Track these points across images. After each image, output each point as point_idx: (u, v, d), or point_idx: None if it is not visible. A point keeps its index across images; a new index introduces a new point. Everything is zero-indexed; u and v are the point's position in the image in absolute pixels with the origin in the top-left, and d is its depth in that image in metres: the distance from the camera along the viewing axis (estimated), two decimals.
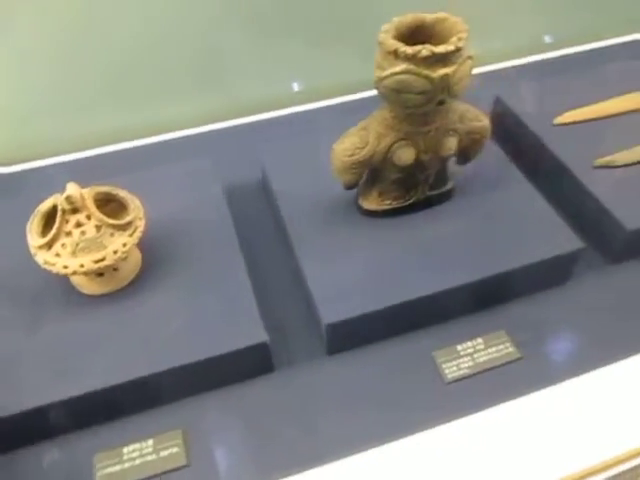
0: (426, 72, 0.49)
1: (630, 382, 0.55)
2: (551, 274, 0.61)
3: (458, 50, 0.49)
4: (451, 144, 0.57)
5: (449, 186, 0.64)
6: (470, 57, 0.51)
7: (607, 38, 0.99)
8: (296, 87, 0.89)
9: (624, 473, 0.50)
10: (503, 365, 0.57)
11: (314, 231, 0.62)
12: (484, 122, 0.59)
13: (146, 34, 0.76)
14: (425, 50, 0.48)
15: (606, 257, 0.64)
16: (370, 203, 0.62)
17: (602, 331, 0.59)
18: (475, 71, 0.88)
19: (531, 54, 0.93)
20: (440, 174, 0.62)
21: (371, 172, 0.60)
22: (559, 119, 0.72)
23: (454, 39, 0.49)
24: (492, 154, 0.69)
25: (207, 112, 0.85)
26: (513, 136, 0.75)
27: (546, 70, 0.90)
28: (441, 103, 0.52)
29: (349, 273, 0.58)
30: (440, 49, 0.48)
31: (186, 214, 0.65)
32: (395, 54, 0.49)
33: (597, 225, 0.64)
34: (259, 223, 0.70)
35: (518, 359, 0.57)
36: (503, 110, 0.77)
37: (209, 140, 0.83)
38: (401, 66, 0.49)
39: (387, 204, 0.62)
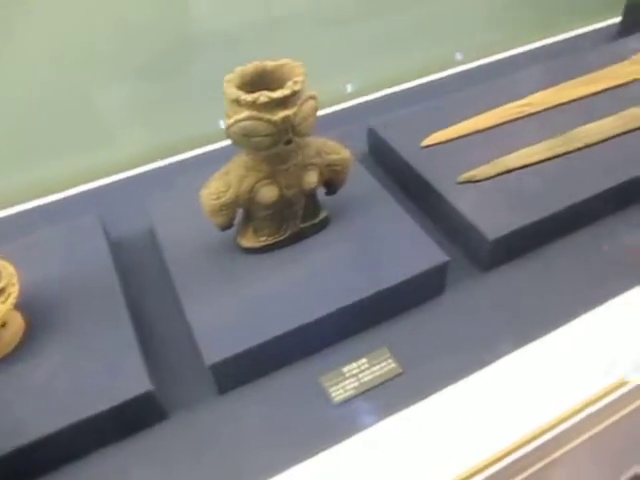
0: (268, 116, 0.52)
1: (510, 382, 0.59)
2: (425, 288, 0.64)
3: (295, 93, 0.52)
4: (311, 178, 0.61)
5: (322, 216, 0.67)
6: (312, 97, 0.55)
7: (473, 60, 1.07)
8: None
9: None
10: (386, 382, 0.59)
11: (197, 274, 0.63)
12: (343, 154, 0.63)
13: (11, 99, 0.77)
14: (263, 97, 0.51)
15: (477, 266, 0.68)
16: (248, 241, 0.65)
17: (477, 335, 0.63)
18: (352, 103, 0.94)
19: (400, 83, 0.99)
20: (310, 206, 0.65)
21: (244, 211, 0.63)
22: (425, 142, 0.77)
23: (290, 83, 0.52)
24: (365, 180, 0.73)
25: (90, 169, 0.86)
26: (386, 162, 0.80)
27: (416, 95, 0.95)
28: (289, 143, 0.55)
29: (230, 312, 0.60)
30: (277, 94, 0.52)
31: (71, 273, 0.65)
32: (237, 102, 0.52)
33: (465, 237, 0.69)
34: (147, 273, 0.71)
35: (399, 374, 0.60)
36: (376, 138, 0.81)
37: (97, 196, 0.84)
38: (244, 113, 0.52)
39: (263, 240, 0.64)
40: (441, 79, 1.02)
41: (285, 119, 0.52)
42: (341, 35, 0.95)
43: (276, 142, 0.54)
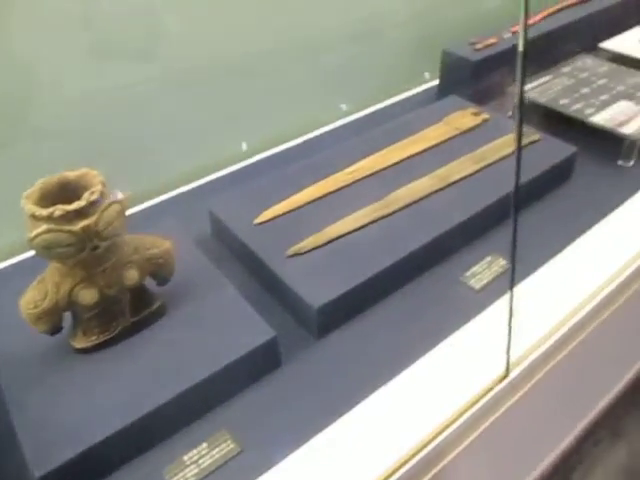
0: (67, 227, 0.54)
1: (347, 443, 0.62)
2: (259, 363, 0.67)
3: (93, 203, 0.55)
4: (132, 275, 0.63)
5: (156, 305, 0.68)
6: (117, 202, 0.57)
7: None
8: None
9: None
10: (227, 462, 0.61)
11: (30, 381, 0.63)
12: (163, 247, 0.65)
13: None
14: (58, 210, 0.53)
15: (311, 334, 0.72)
16: (79, 342, 0.65)
17: (314, 404, 0.66)
18: (191, 186, 0.97)
19: (234, 163, 1.04)
20: (140, 298, 0.66)
21: (72, 313, 0.64)
22: (258, 219, 0.81)
23: (87, 194, 0.55)
24: (201, 264, 0.76)
25: None
26: (227, 241, 0.84)
27: (249, 175, 1.01)
28: (95, 249, 0.57)
29: (63, 415, 0.59)
30: (73, 206, 0.54)
31: None
32: (35, 217, 0.54)
33: (296, 308, 0.73)
34: None
35: (239, 453, 0.61)
36: (215, 219, 0.85)
37: None
38: (43, 227, 0.54)
39: (94, 340, 0.65)
40: (271, 156, 1.07)
41: (85, 228, 0.55)
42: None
43: (81, 250, 0.56)
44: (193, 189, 1.00)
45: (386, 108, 1.21)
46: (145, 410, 0.59)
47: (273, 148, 1.08)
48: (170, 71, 0.93)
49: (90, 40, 0.85)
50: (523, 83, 0.54)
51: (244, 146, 1.08)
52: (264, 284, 0.79)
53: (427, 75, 1.24)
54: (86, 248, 0.56)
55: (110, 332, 0.65)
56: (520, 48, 0.50)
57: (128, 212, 0.91)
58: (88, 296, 0.60)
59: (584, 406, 1.11)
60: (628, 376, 1.25)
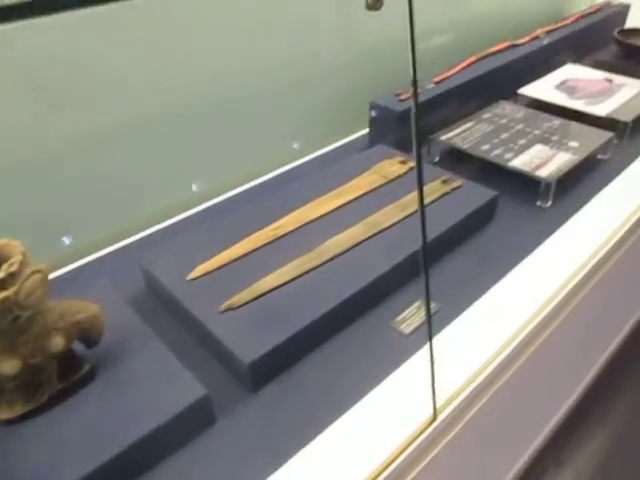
0: None
1: None
2: (192, 422, 0.67)
3: (12, 275, 0.55)
4: (56, 342, 0.62)
5: (86, 369, 0.68)
6: (38, 271, 0.58)
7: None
8: None
9: None
10: None
11: None
12: (91, 311, 0.66)
13: None
14: None
15: (245, 389, 0.73)
16: (3, 413, 0.64)
17: (249, 456, 0.66)
18: (128, 241, 0.98)
19: (170, 216, 1.06)
20: (67, 364, 0.66)
21: None
22: (191, 274, 0.82)
23: (5, 266, 0.55)
24: (133, 324, 0.76)
25: None
26: (161, 297, 0.84)
27: (184, 228, 1.02)
28: (16, 319, 0.57)
29: None
30: None
31: None
32: None
33: (229, 363, 0.73)
34: None
35: None
36: (149, 275, 0.85)
37: None
38: None
39: (18, 410, 0.64)
40: (207, 208, 1.09)
41: (5, 300, 0.55)
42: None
43: (0, 321, 0.56)
44: (130, 244, 1.00)
45: (321, 156, 1.25)
46: None
47: (208, 201, 1.10)
48: (107, 122, 0.94)
49: (27, 87, 0.85)
50: (419, 143, 0.57)
51: (194, 187, 1.10)
52: (198, 339, 0.79)
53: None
54: (6, 319, 0.56)
55: (35, 401, 0.64)
56: (413, 111, 0.54)
57: (64, 270, 0.91)
58: (8, 367, 0.60)
59: (523, 439, 1.15)
60: (567, 405, 1.30)
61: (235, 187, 1.13)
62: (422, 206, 0.58)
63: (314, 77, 1.23)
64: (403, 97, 1.19)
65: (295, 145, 1.24)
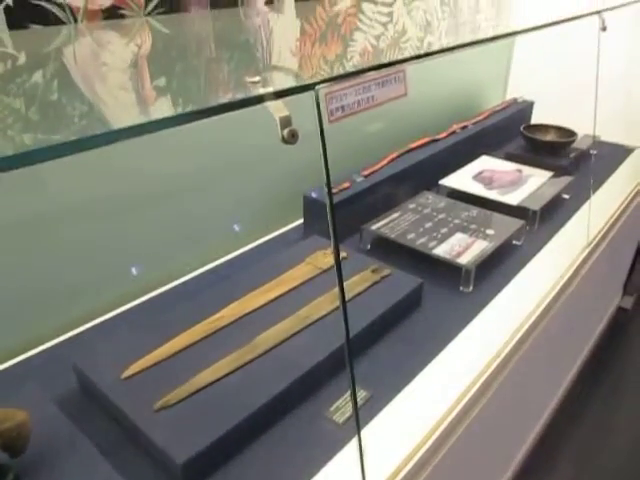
0: None
1: None
2: None
3: None
4: None
5: (9, 478, 0.66)
6: None
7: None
8: None
9: None
10: None
11: None
12: (17, 419, 0.65)
13: None
14: None
15: None
16: None
17: None
18: (60, 339, 0.97)
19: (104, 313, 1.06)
20: None
21: None
22: (125, 372, 0.82)
23: None
24: (61, 427, 0.75)
25: None
26: (95, 397, 0.83)
27: (117, 324, 1.03)
28: None
29: None
30: None
31: None
32: None
33: (163, 463, 0.73)
34: None
35: None
36: (81, 375, 0.85)
37: None
38: None
39: None
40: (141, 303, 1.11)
41: None
42: None
43: None
44: (61, 342, 0.99)
45: (258, 246, 1.30)
46: None
47: (145, 295, 1.12)
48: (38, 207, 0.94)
49: None
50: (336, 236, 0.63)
51: (134, 271, 1.10)
52: (132, 440, 0.79)
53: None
54: None
55: None
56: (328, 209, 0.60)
57: None
58: None
59: None
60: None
61: (171, 280, 1.15)
62: (344, 302, 0.63)
63: (249, 169, 1.29)
64: (335, 190, 1.27)
65: (232, 236, 1.28)
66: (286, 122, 0.52)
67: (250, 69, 0.87)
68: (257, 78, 0.54)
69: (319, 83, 0.58)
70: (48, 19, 0.90)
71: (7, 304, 0.94)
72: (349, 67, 0.96)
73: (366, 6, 1.49)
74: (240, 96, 0.52)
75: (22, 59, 0.88)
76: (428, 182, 1.49)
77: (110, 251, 1.07)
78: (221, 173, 1.24)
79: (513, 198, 1.40)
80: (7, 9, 0.86)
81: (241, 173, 1.28)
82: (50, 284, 0.99)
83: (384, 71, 0.65)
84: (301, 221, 1.37)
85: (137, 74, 0.93)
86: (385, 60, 0.72)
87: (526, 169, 1.57)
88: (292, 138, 0.52)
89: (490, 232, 1.24)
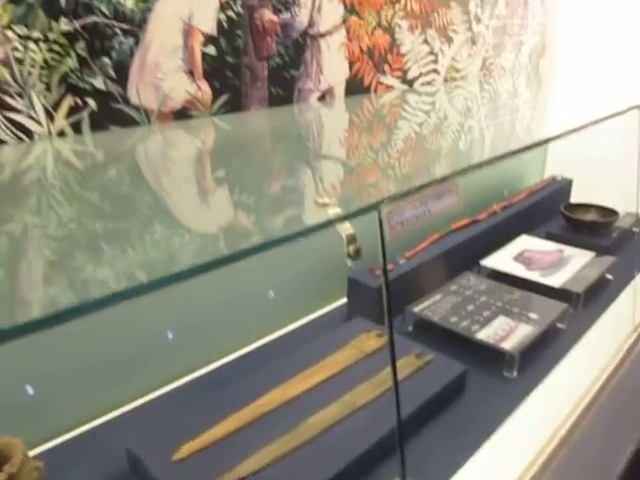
0: None
1: None
2: None
3: (12, 476, 0.59)
4: None
5: None
6: (36, 468, 0.62)
7: None
8: None
9: None
10: None
11: None
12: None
13: None
14: None
15: None
16: None
17: None
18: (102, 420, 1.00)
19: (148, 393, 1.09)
20: None
21: None
22: (176, 455, 0.85)
23: (7, 467, 0.59)
24: None
25: None
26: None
27: (165, 405, 1.06)
28: None
29: None
30: None
31: None
32: None
33: None
34: None
35: None
36: (132, 457, 0.88)
37: None
38: None
39: None
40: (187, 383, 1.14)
41: None
42: None
43: None
44: (112, 419, 1.03)
45: (303, 326, 1.33)
46: None
47: (192, 374, 1.15)
48: None
49: None
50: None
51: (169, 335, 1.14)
52: None
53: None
54: None
55: None
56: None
57: (45, 448, 0.93)
58: None
59: None
60: None
61: (215, 360, 1.18)
62: (397, 393, 0.65)
63: (296, 251, 1.34)
64: (378, 272, 1.31)
65: (275, 315, 1.32)
66: (351, 239, 0.56)
67: (306, 172, 0.94)
68: (326, 199, 0.59)
69: (381, 202, 0.63)
70: (126, 121, 1.00)
71: (60, 382, 0.99)
72: (395, 155, 1.02)
73: (410, 97, 1.58)
74: (308, 215, 0.57)
75: (100, 157, 0.97)
76: (469, 262, 1.51)
77: (158, 331, 1.12)
78: (264, 253, 1.29)
79: (555, 280, 1.40)
80: (92, 113, 0.96)
81: (287, 253, 1.33)
82: (101, 362, 1.04)
83: (440, 187, 0.70)
84: (343, 300, 1.40)
85: (200, 168, 1.01)
86: (428, 151, 0.77)
87: (567, 249, 1.57)
88: (356, 255, 0.56)
89: (533, 316, 1.24)
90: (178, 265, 0.48)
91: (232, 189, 0.87)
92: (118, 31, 0.97)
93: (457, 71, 1.79)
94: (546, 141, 0.98)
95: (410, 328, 1.28)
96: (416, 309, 1.28)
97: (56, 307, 0.41)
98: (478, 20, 1.81)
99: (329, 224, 0.57)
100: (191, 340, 1.17)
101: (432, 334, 1.22)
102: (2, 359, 0.89)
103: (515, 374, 1.13)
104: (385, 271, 0.61)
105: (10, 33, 0.87)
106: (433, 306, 1.30)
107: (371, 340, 1.15)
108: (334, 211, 0.58)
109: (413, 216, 0.67)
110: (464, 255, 1.51)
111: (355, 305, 1.33)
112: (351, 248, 0.56)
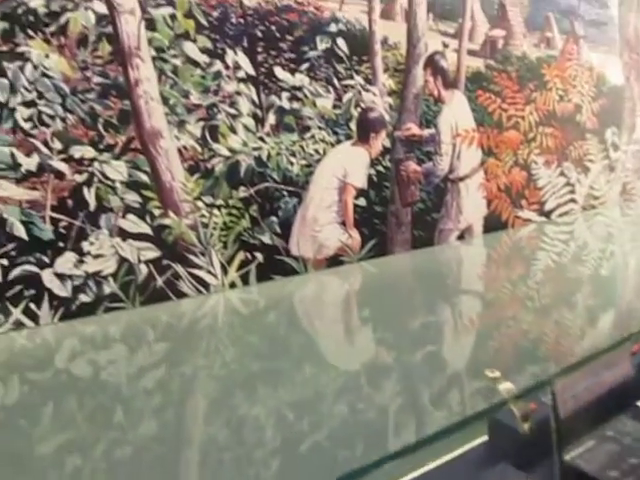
0: None
1: None
2: None
3: None
4: None
5: None
6: None
7: None
8: None
9: None
10: None
11: None
12: None
13: None
14: None
15: None
16: None
17: None
18: None
19: None
20: None
21: None
22: None
23: None
24: None
25: None
26: None
27: None
28: None
29: None
30: None
31: None
32: None
33: None
34: None
35: None
36: None
37: None
38: None
39: None
40: None
41: None
42: None
43: None
44: None
45: (441, 466, 1.29)
46: None
47: None
48: None
49: None
50: None
51: None
52: None
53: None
54: None
55: None
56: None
57: None
58: None
59: None
60: None
61: None
62: None
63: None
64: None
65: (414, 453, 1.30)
66: (526, 417, 0.58)
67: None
68: (497, 373, 0.62)
69: (554, 377, 0.64)
70: (286, 270, 1.11)
71: None
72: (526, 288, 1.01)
73: (548, 228, 1.59)
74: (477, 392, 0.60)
75: (262, 304, 1.08)
76: (622, 402, 1.40)
77: None
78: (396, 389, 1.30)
79: None
80: (258, 265, 1.09)
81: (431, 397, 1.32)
82: None
83: (611, 356, 0.70)
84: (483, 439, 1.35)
85: (347, 312, 1.09)
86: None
87: None
88: (529, 431, 0.58)
89: None
90: None
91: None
92: (285, 193, 1.11)
93: (595, 198, 1.78)
94: None
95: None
96: (568, 457, 1.19)
97: None
98: (615, 147, 1.80)
99: (502, 404, 0.60)
100: None
101: None
102: None
103: None
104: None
105: (200, 203, 1.03)
106: (587, 454, 1.19)
107: None
108: (504, 387, 0.60)
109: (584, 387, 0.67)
110: (617, 393, 1.40)
111: (497, 447, 1.27)
112: (526, 426, 0.58)
